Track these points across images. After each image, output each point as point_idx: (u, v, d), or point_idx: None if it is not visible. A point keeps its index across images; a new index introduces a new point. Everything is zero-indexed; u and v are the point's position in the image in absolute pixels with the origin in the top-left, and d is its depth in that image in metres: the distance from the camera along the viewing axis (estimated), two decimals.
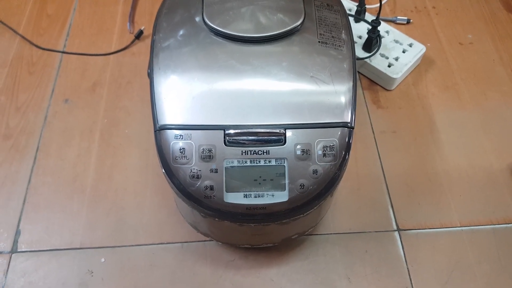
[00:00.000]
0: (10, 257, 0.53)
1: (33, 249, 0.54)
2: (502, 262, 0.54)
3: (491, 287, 0.53)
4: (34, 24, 0.76)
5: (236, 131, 0.40)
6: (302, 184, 0.41)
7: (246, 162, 0.40)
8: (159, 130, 0.41)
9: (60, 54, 0.72)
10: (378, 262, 0.54)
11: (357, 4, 0.72)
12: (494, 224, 0.57)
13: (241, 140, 0.40)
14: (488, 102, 0.68)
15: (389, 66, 0.68)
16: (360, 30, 0.71)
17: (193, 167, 0.40)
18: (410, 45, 0.70)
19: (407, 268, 0.54)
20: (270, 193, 0.41)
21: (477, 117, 0.67)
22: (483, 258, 0.54)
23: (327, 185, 0.41)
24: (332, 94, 0.42)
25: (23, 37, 0.74)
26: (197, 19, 0.45)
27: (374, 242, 0.55)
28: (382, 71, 0.67)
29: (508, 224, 0.57)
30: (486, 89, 0.70)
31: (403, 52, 0.69)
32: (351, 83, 0.43)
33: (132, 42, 0.73)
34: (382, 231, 0.56)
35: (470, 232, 0.56)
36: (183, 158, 0.40)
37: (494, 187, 0.60)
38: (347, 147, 0.41)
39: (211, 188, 0.40)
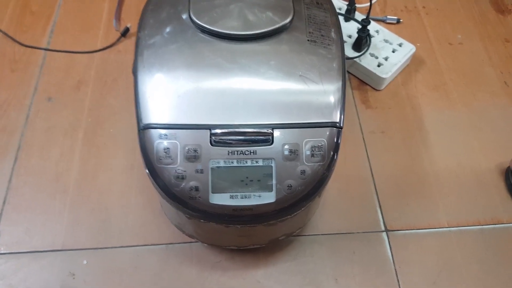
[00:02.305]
0: None
1: (13, 251, 0.53)
2: (490, 263, 0.54)
3: (479, 287, 0.52)
4: (17, 21, 0.74)
5: (223, 130, 0.39)
6: (289, 185, 0.40)
7: (232, 162, 0.39)
8: (143, 129, 0.40)
9: (43, 51, 0.70)
10: (366, 263, 0.54)
11: (347, 3, 0.71)
12: (482, 225, 0.57)
13: (227, 140, 0.39)
14: (477, 102, 0.68)
15: (378, 65, 0.67)
16: (350, 29, 0.71)
17: (177, 168, 0.39)
18: (400, 45, 0.70)
19: (395, 269, 0.53)
20: (257, 194, 0.40)
21: (466, 117, 0.67)
22: (471, 258, 0.54)
23: (315, 185, 0.41)
24: (321, 94, 0.41)
25: (5, 33, 0.72)
26: (184, 16, 0.44)
27: (362, 242, 0.55)
28: (371, 71, 0.67)
29: (496, 224, 0.57)
30: (475, 89, 0.70)
31: (393, 51, 0.69)
32: (340, 83, 0.42)
33: (118, 39, 0.72)
34: (370, 232, 0.56)
35: (458, 233, 0.56)
36: (168, 158, 0.39)
37: (483, 188, 0.60)
38: (335, 147, 0.41)
39: (196, 189, 0.39)
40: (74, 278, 0.51)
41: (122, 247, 0.53)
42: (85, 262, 0.52)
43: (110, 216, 0.55)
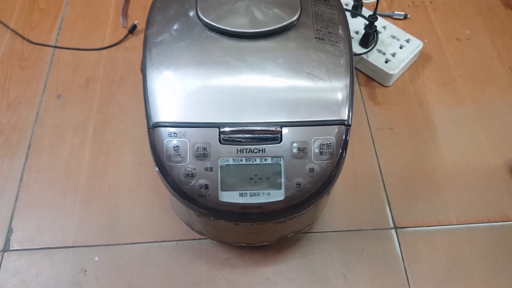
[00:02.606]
0: (2, 256, 0.53)
1: (25, 248, 0.53)
2: (499, 260, 0.54)
3: (488, 285, 0.52)
4: (25, 18, 0.75)
5: (231, 128, 0.39)
6: (298, 183, 0.40)
7: (241, 160, 0.40)
8: (153, 127, 0.40)
9: (52, 48, 0.71)
10: (375, 260, 0.54)
11: None
12: (491, 222, 0.57)
13: (236, 138, 0.39)
14: (485, 98, 0.68)
15: (386, 62, 0.67)
16: (357, 25, 0.70)
17: (187, 166, 0.39)
18: (408, 41, 0.69)
19: (404, 266, 0.53)
20: (266, 192, 0.40)
21: (474, 113, 0.66)
22: (480, 256, 0.54)
23: (324, 183, 0.41)
24: (329, 91, 0.41)
25: (14, 31, 0.72)
26: (191, 13, 0.44)
27: (370, 240, 0.55)
28: (379, 67, 0.66)
29: (505, 221, 0.57)
30: (484, 85, 0.69)
31: (400, 47, 0.68)
32: (348, 80, 0.42)
33: (126, 36, 0.72)
34: (379, 229, 0.56)
35: (467, 230, 0.56)
36: (177, 156, 0.40)
37: (492, 185, 0.60)
38: (344, 145, 0.41)
39: (206, 187, 0.40)
40: (85, 274, 0.52)
41: (132, 243, 0.54)
42: (96, 258, 0.53)
43: (120, 213, 0.56)
